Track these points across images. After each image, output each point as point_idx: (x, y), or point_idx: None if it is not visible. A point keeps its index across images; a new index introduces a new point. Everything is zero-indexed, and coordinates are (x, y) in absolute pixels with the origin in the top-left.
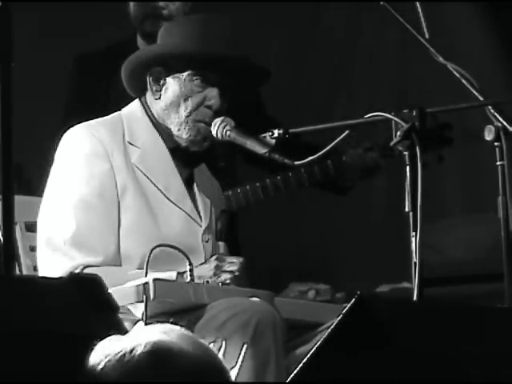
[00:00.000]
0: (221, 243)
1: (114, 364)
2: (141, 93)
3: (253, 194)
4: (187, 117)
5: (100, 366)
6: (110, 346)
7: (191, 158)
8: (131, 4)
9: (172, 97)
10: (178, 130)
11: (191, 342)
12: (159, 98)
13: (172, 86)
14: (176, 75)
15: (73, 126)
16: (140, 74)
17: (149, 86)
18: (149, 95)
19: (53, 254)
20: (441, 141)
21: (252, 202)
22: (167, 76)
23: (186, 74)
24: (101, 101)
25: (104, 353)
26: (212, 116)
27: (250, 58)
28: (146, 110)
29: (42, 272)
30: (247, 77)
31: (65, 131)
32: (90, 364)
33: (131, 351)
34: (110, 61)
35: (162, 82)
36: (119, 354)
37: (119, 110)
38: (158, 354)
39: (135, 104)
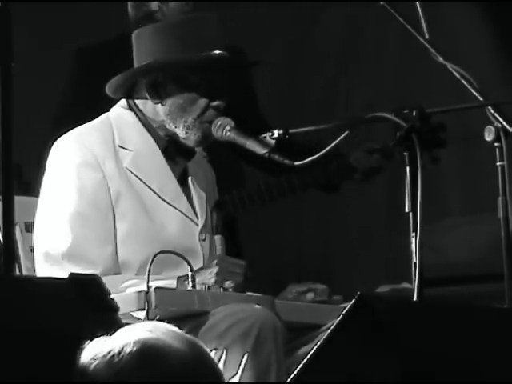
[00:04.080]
0: (217, 237)
1: (103, 365)
2: (127, 95)
3: (248, 197)
4: (195, 120)
5: (89, 368)
6: (97, 347)
7: (184, 152)
8: (129, 5)
9: (177, 102)
10: (186, 133)
11: (179, 339)
12: (160, 103)
13: (175, 91)
14: (177, 80)
15: (62, 135)
16: (133, 79)
17: (146, 92)
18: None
19: (52, 268)
20: (434, 142)
21: (247, 207)
22: (167, 81)
23: (188, 78)
24: (98, 97)
25: (92, 354)
26: (217, 115)
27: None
28: (135, 112)
29: None
30: (240, 69)
31: (55, 140)
32: (79, 366)
33: (119, 352)
34: (110, 55)
35: (161, 86)
36: (108, 356)
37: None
38: (146, 353)
39: (123, 106)
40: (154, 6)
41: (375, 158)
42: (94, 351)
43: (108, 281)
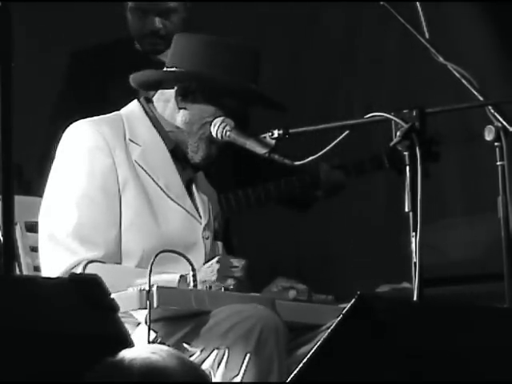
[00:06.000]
0: (219, 243)
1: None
2: (143, 91)
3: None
4: (207, 138)
5: (101, 379)
6: (109, 360)
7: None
8: (129, 18)
9: (200, 114)
10: (197, 146)
11: (180, 362)
12: (184, 108)
13: (202, 104)
14: (211, 95)
15: (75, 120)
16: (163, 83)
17: (176, 96)
18: (157, 98)
19: (56, 248)
20: (428, 156)
21: (235, 210)
22: (198, 91)
23: (217, 97)
24: (96, 98)
25: (105, 368)
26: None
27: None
28: (146, 111)
29: (45, 266)
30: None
31: (67, 126)
32: (94, 375)
33: (127, 369)
34: (107, 58)
35: (190, 94)
36: (118, 372)
37: (117, 108)
38: (151, 373)
39: (134, 105)
40: (158, 22)
41: (338, 174)
42: (108, 364)
43: (118, 270)
